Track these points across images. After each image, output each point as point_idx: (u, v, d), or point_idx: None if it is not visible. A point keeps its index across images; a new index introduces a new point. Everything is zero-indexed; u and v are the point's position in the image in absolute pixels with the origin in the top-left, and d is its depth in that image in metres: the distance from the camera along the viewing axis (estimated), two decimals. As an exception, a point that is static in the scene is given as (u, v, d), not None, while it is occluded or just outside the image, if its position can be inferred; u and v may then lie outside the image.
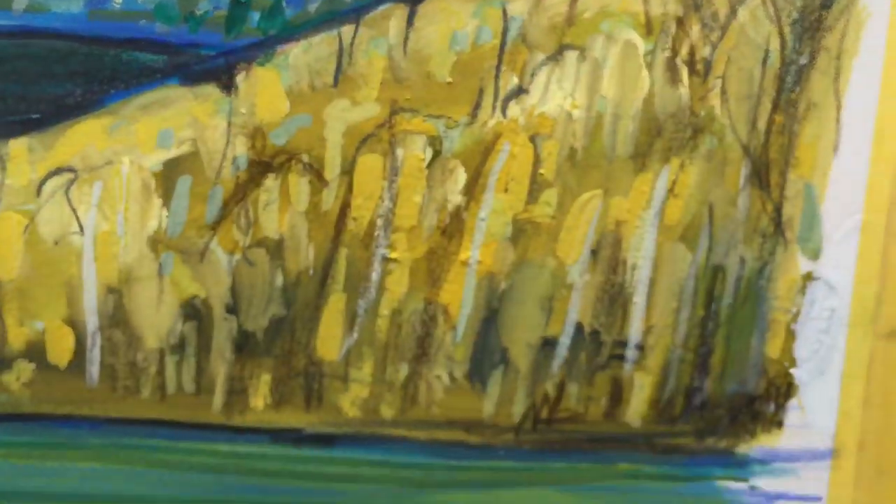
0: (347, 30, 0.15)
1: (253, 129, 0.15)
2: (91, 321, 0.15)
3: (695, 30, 0.16)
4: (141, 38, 0.15)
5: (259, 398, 0.16)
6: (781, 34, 0.16)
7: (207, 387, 0.16)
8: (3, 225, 0.15)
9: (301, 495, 0.16)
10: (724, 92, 0.15)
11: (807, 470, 0.17)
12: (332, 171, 0.15)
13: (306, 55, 0.15)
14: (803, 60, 0.16)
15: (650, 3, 0.15)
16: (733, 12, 0.16)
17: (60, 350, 0.16)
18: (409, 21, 0.15)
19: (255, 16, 0.15)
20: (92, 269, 0.15)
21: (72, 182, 0.15)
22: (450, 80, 0.15)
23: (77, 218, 0.15)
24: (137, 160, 0.15)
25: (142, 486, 0.16)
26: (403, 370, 0.16)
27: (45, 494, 0.16)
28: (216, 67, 0.15)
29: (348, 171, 0.15)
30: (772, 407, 0.17)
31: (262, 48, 0.15)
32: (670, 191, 0.16)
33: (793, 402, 0.17)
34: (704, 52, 0.15)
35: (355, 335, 0.16)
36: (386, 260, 0.16)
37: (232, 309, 0.16)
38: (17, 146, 0.15)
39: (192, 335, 0.16)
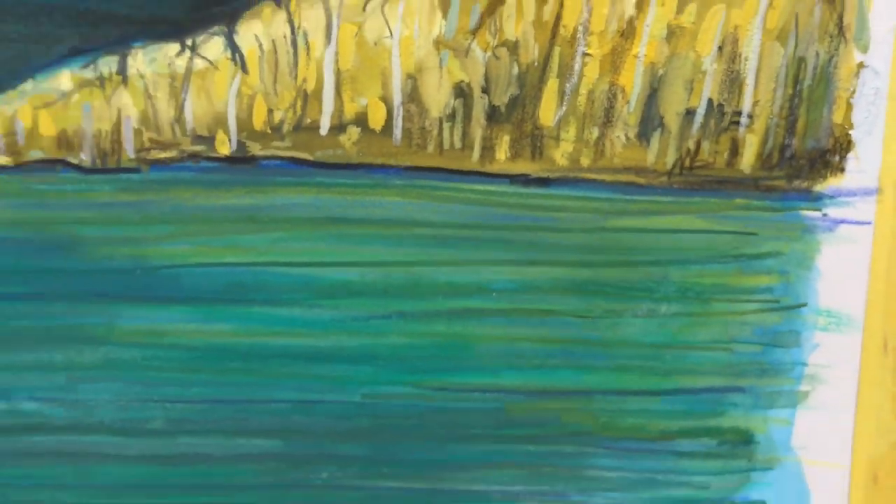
0: None
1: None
2: (396, 98, 0.23)
3: None
4: None
5: (502, 153, 0.24)
6: None
7: (469, 144, 0.23)
8: (343, 32, 0.22)
9: (528, 220, 0.24)
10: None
11: (861, 203, 0.25)
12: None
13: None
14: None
15: None
16: None
17: (376, 118, 0.23)
18: None
19: None
20: (398, 62, 0.23)
21: (385, 2, 0.22)
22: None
23: (388, 26, 0.23)
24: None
25: (429, 213, 0.23)
26: (595, 132, 0.24)
27: (367, 220, 0.23)
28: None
29: (561, -3, 0.23)
30: (837, 157, 0.25)
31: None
32: (770, 4, 0.23)
33: (851, 154, 0.25)
34: None
35: (564, 107, 0.23)
36: (584, 55, 0.23)
37: (485, 90, 0.23)
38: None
39: (460, 108, 0.23)
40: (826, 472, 0.27)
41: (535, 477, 0.26)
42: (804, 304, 0.26)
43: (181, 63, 0.22)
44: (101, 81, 0.22)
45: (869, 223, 0.26)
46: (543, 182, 0.25)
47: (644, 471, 0.26)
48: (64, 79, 0.22)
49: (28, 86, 0.22)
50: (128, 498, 0.24)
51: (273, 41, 0.22)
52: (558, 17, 0.23)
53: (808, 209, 0.26)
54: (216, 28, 0.22)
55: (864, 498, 0.27)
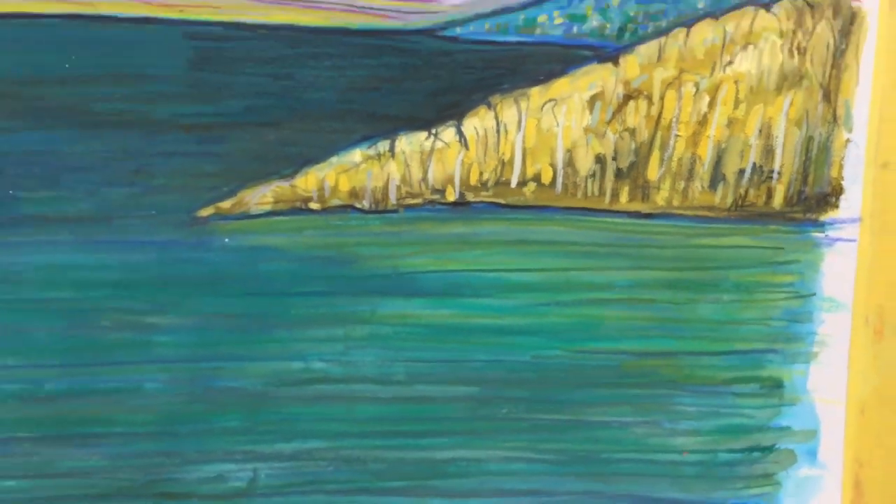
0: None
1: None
2: (559, 164, 0.35)
3: (798, 34, 0.36)
4: (582, 45, 0.35)
5: (623, 197, 0.36)
6: (833, 34, 0.36)
7: (603, 192, 0.36)
8: (528, 124, 0.35)
9: (639, 240, 0.37)
10: (812, 60, 0.36)
11: (849, 227, 0.37)
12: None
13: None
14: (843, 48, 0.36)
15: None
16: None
17: (546, 177, 0.36)
18: None
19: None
20: (561, 142, 0.35)
21: (554, 105, 0.35)
22: None
23: (556, 120, 0.35)
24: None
25: (577, 237, 0.36)
26: (682, 184, 0.37)
27: (538, 241, 0.36)
28: (607, 55, 0.35)
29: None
30: (833, 198, 0.37)
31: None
32: (791, 104, 0.36)
33: (842, 196, 0.38)
34: (803, 42, 0.36)
35: (663, 169, 0.36)
36: (676, 136, 0.36)
37: (614, 158, 0.36)
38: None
39: (598, 170, 0.36)
40: (829, 407, 0.40)
41: (641, 411, 0.38)
42: (814, 294, 0.38)
43: (427, 144, 0.35)
44: (379, 156, 0.34)
45: (854, 240, 0.39)
46: (649, 216, 0.37)
47: (712, 406, 0.39)
48: (356, 155, 0.34)
49: (334, 159, 0.34)
50: (380, 426, 0.36)
51: (485, 129, 0.35)
52: (660, 113, 0.36)
53: (815, 232, 0.38)
54: (450, 122, 0.35)
55: (854, 424, 0.40)
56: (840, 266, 0.37)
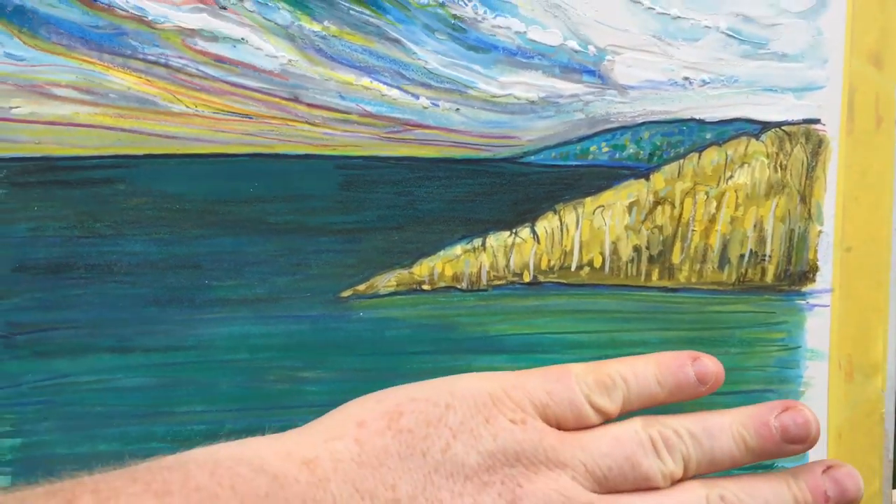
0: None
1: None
2: (607, 253, 0.47)
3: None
4: (622, 166, 0.47)
5: (655, 276, 0.48)
6: (806, 154, 0.48)
7: (640, 273, 0.48)
8: (584, 225, 0.47)
9: (664, 307, 0.48)
10: (791, 174, 0.48)
11: (824, 295, 0.49)
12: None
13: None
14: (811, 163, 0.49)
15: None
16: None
17: (598, 262, 0.47)
18: None
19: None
20: (608, 237, 0.47)
21: (603, 210, 0.47)
22: None
23: (603, 220, 0.47)
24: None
25: (617, 305, 0.48)
26: (698, 266, 0.48)
27: (589, 311, 0.48)
28: (641, 173, 0.47)
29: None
30: (811, 275, 0.49)
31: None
32: (777, 206, 0.48)
33: (818, 273, 0.49)
34: (784, 161, 0.48)
35: (683, 255, 0.48)
36: (692, 231, 0.48)
37: (647, 248, 0.48)
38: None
39: (636, 256, 0.48)
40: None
41: (670, 439, 0.50)
42: (799, 346, 0.50)
43: (510, 240, 0.46)
44: (474, 250, 0.46)
45: (828, 306, 0.50)
46: (673, 290, 0.49)
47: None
48: (457, 249, 0.46)
49: (441, 252, 0.46)
50: None
51: (552, 228, 0.47)
52: (680, 214, 0.48)
53: (798, 300, 0.50)
54: (526, 224, 0.46)
55: (834, 444, 0.51)
56: (818, 325, 0.49)
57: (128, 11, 0.41)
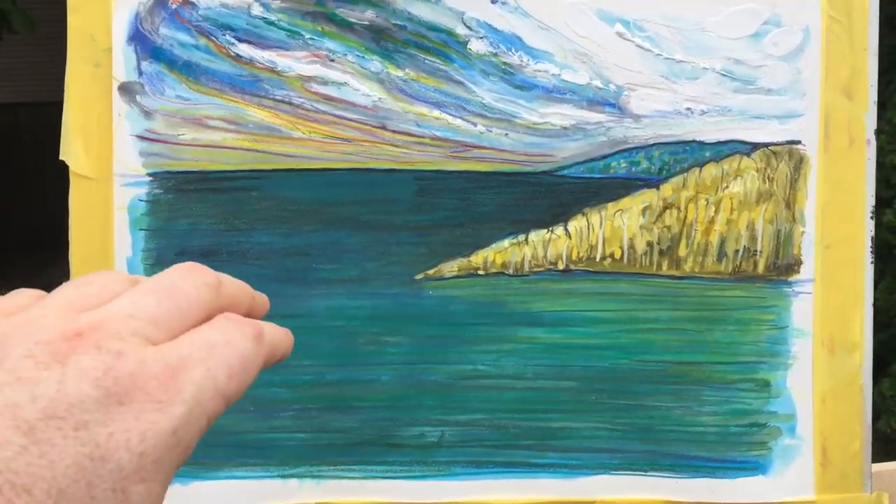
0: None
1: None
2: (625, 246, 0.59)
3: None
4: (638, 178, 0.59)
5: (665, 267, 0.60)
6: (789, 168, 0.60)
7: (653, 264, 0.60)
8: (606, 224, 0.59)
9: (673, 291, 0.60)
10: (777, 185, 0.59)
11: (807, 283, 0.60)
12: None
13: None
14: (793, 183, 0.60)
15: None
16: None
17: (617, 254, 0.60)
18: None
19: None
20: (626, 234, 0.59)
21: (622, 213, 0.59)
22: None
23: (623, 222, 0.59)
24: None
25: (634, 289, 0.60)
26: (700, 258, 0.60)
27: (608, 293, 0.60)
28: (653, 184, 0.59)
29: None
30: (795, 266, 0.60)
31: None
32: (766, 210, 0.60)
33: (802, 265, 0.60)
34: (771, 174, 0.59)
35: (688, 249, 0.60)
36: (695, 231, 0.60)
37: (658, 243, 0.60)
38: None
39: (649, 251, 0.60)
40: (802, 399, 0.61)
41: (679, 399, 0.61)
42: (787, 326, 0.60)
43: (547, 236, 0.59)
44: (518, 243, 0.59)
45: (810, 293, 0.61)
46: (680, 278, 0.60)
47: (725, 397, 0.60)
48: (506, 243, 0.59)
49: (493, 245, 0.59)
50: (517, 406, 0.60)
51: (581, 227, 0.59)
52: (685, 217, 0.60)
53: (785, 287, 0.61)
54: (560, 223, 0.59)
55: (819, 410, 0.61)
56: (803, 308, 0.60)
57: (263, 64, 0.56)
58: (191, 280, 0.22)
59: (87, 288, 0.20)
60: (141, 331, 0.19)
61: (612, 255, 0.59)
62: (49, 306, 0.19)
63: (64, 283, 0.21)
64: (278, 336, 0.24)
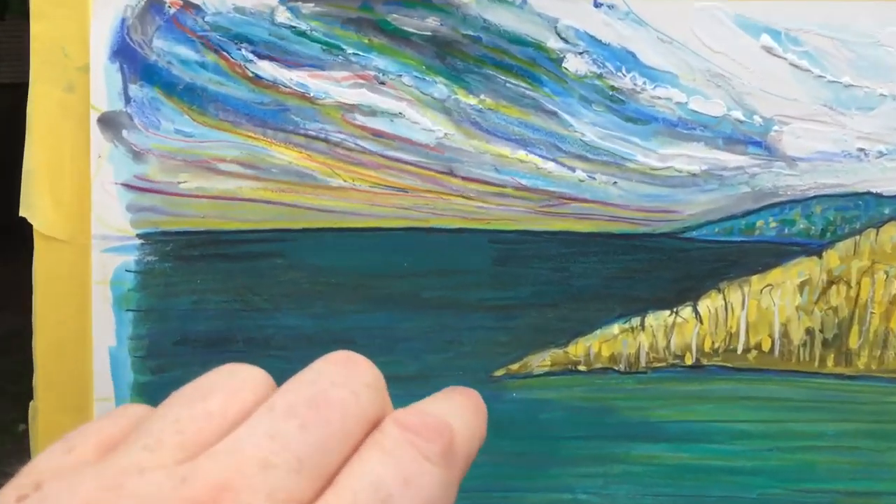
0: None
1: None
2: (776, 336, 0.44)
3: None
4: (792, 242, 0.44)
5: (830, 363, 0.44)
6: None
7: (812, 357, 0.44)
8: (749, 307, 0.44)
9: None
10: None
11: None
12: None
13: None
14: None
15: None
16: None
17: (766, 346, 0.44)
18: None
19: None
20: (777, 318, 0.44)
21: (771, 289, 0.44)
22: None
23: (772, 301, 0.44)
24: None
25: (786, 389, 0.44)
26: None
27: (753, 398, 0.44)
28: (813, 250, 0.44)
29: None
30: None
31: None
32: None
33: None
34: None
35: (861, 339, 0.44)
36: (871, 313, 0.45)
37: (821, 331, 0.44)
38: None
39: (807, 340, 0.44)
40: None
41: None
42: None
43: (670, 320, 0.44)
44: (632, 329, 0.44)
45: None
46: (851, 378, 0.45)
47: None
48: (615, 328, 0.44)
49: (598, 331, 0.44)
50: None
51: (716, 308, 0.44)
52: (857, 295, 0.45)
53: None
54: (688, 302, 0.44)
55: None
56: None
57: (291, 88, 0.42)
58: (347, 383, 0.18)
59: (204, 404, 0.16)
60: (281, 490, 0.14)
61: (758, 347, 0.43)
62: (153, 446, 0.15)
63: (174, 393, 0.17)
64: (471, 429, 0.19)
